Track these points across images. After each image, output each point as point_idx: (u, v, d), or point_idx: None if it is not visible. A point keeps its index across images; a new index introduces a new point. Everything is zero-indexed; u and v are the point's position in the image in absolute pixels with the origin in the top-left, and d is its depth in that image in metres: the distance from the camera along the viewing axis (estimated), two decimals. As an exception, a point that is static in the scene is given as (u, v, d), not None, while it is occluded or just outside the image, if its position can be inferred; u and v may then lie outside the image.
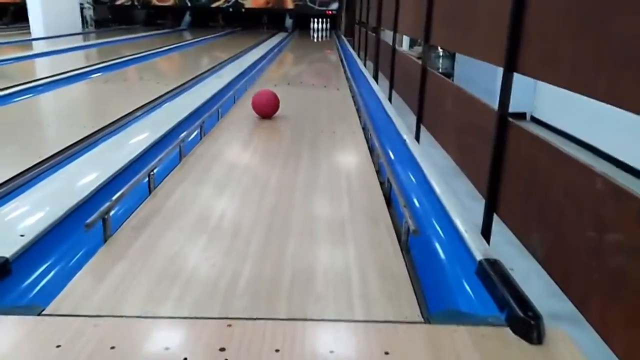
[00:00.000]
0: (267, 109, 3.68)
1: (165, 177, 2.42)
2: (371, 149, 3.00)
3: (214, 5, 15.01)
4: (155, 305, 1.39)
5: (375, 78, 6.01)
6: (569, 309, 1.36)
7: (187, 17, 15.32)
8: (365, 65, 7.22)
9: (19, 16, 13.96)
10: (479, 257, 1.56)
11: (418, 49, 8.66)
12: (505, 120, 1.74)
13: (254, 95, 3.78)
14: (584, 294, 1.28)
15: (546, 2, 1.53)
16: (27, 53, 7.76)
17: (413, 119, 3.64)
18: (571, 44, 1.35)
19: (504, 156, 1.75)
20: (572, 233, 1.34)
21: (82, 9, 12.06)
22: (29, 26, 10.24)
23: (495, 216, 1.90)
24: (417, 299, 1.45)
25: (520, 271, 1.89)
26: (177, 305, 1.39)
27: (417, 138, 3.32)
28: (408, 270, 1.60)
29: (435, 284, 1.62)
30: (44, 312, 1.33)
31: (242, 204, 2.14)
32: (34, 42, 9.41)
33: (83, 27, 12.04)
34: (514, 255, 1.96)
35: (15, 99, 4.23)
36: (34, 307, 1.35)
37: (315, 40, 13.45)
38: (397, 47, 4.94)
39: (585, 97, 1.30)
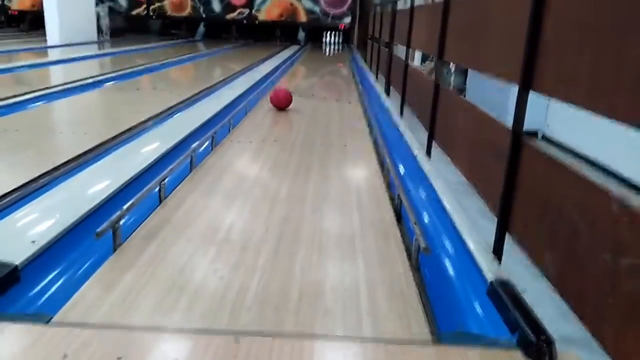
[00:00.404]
0: (283, 99, 4.54)
1: (176, 187, 2.42)
2: (382, 164, 2.99)
3: (228, 17, 15.18)
4: (163, 317, 1.38)
5: (387, 92, 6.02)
6: (582, 333, 1.34)
7: (202, 28, 15.51)
8: (377, 79, 7.24)
9: (35, 24, 14.23)
10: (490, 277, 1.54)
11: (430, 65, 8.67)
12: (519, 139, 1.72)
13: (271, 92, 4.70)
14: (598, 318, 1.25)
15: (563, 21, 1.52)
16: (43, 60, 7.88)
17: (424, 133, 3.63)
18: (590, 62, 1.34)
19: (517, 175, 1.73)
20: (586, 255, 1.31)
21: (98, 18, 12.22)
22: (45, 33, 10.40)
23: (507, 235, 1.88)
24: (426, 318, 1.43)
25: (532, 292, 1.86)
26: (184, 317, 1.38)
27: (429, 154, 3.30)
28: (418, 289, 1.58)
29: (446, 303, 1.60)
30: (51, 321, 1.33)
31: (251, 216, 2.14)
32: (49, 49, 9.55)
33: (98, 35, 12.20)
34: (526, 275, 1.93)
35: (30, 106, 4.28)
36: (42, 316, 1.35)
37: (327, 53, 13.54)
38: (409, 62, 4.94)
39: (599, 117, 1.29)
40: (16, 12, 15.43)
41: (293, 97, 4.59)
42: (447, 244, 1.94)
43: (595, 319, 1.26)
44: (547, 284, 1.51)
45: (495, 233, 1.86)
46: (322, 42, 15.37)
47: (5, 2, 15.41)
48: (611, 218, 1.20)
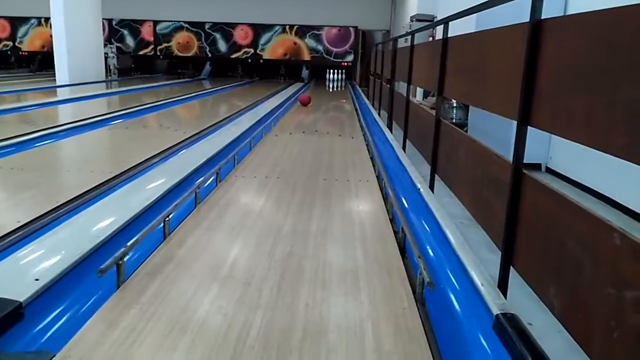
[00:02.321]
0: (307, 100, 8.45)
1: (181, 222, 2.44)
2: (385, 198, 3.00)
3: (233, 56, 15.52)
4: (165, 355, 1.37)
5: (389, 127, 6.09)
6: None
7: (207, 67, 15.84)
8: (379, 114, 7.33)
9: (44, 64, 14.61)
10: (495, 311, 1.52)
11: (432, 100, 8.77)
12: (520, 173, 1.74)
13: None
14: (605, 353, 1.23)
15: (558, 58, 1.56)
16: (51, 99, 8.02)
17: (427, 167, 3.66)
18: (584, 99, 1.37)
19: (519, 209, 1.74)
20: (590, 289, 1.31)
21: (106, 58, 12.52)
22: (54, 73, 10.63)
23: (512, 269, 1.87)
24: (432, 354, 1.41)
25: (539, 326, 1.84)
26: (187, 356, 1.37)
27: (432, 187, 3.32)
28: (423, 324, 1.56)
29: (451, 338, 1.59)
30: (54, 358, 1.32)
31: (254, 252, 2.14)
32: (58, 89, 9.74)
33: (106, 75, 12.46)
34: (533, 309, 1.91)
35: (37, 144, 4.35)
36: (45, 353, 1.35)
37: (330, 90, 13.74)
38: (411, 98, 5.02)
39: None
40: (26, 53, 15.85)
41: (298, 136, 5.13)
42: (452, 278, 1.93)
43: (601, 353, 1.24)
44: (553, 317, 1.49)
45: (500, 267, 1.85)
46: (325, 79, 15.63)
47: (16, 44, 15.84)
48: (614, 251, 1.20)
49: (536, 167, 5.09)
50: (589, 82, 1.34)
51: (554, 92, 1.55)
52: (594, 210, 1.33)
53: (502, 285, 1.82)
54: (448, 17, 3.12)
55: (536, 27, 1.66)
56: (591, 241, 1.29)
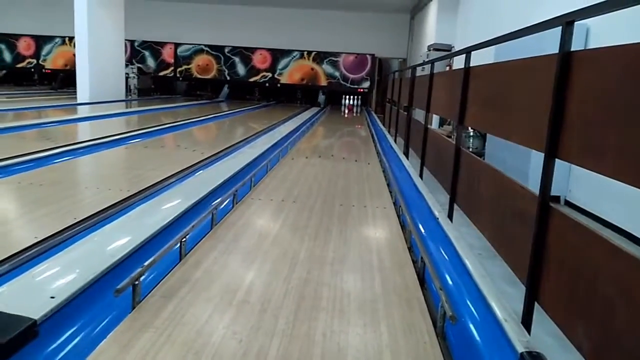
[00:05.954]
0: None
1: (197, 243, 2.41)
2: (403, 226, 2.96)
3: (251, 79, 15.72)
4: (179, 381, 1.33)
5: (406, 154, 6.06)
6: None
7: (226, 90, 16.06)
8: (395, 141, 7.31)
9: (66, 82, 14.93)
10: (520, 349, 1.47)
11: (448, 128, 8.75)
12: (547, 206, 1.69)
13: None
14: (640, 400, 1.17)
15: (590, 90, 1.53)
16: (71, 117, 8.14)
17: (444, 196, 3.61)
18: (619, 132, 1.33)
19: (546, 243, 1.69)
20: (624, 331, 1.25)
21: (127, 78, 12.73)
22: (75, 91, 10.82)
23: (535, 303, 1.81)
24: (455, 392, 1.36)
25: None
26: (202, 383, 1.33)
27: (450, 216, 3.27)
28: (445, 360, 1.51)
29: (474, 376, 1.53)
30: (67, 381, 1.29)
31: (271, 277, 2.10)
32: (78, 106, 9.90)
33: (126, 94, 12.65)
34: (552, 345, 1.85)
35: (56, 160, 4.38)
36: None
37: (346, 115, 13.80)
38: (428, 125, 5.00)
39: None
40: (49, 71, 16.22)
41: (314, 161, 5.18)
42: (474, 312, 1.87)
43: (637, 400, 1.18)
44: (577, 355, 1.43)
45: (524, 302, 1.79)
46: (341, 104, 15.73)
47: (40, 62, 16.22)
48: (650, 291, 1.15)
49: (555, 199, 5.01)
50: (624, 115, 1.31)
51: (585, 125, 1.52)
52: (629, 249, 1.28)
53: (526, 321, 1.76)
54: (471, 46, 3.12)
55: (566, 58, 1.64)
56: (626, 281, 1.24)
